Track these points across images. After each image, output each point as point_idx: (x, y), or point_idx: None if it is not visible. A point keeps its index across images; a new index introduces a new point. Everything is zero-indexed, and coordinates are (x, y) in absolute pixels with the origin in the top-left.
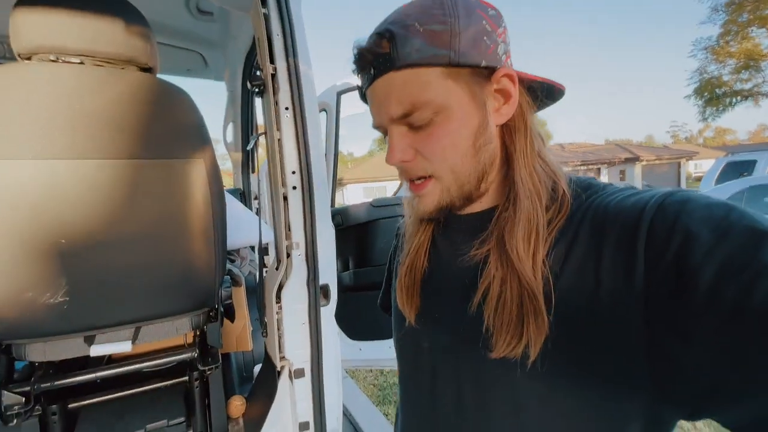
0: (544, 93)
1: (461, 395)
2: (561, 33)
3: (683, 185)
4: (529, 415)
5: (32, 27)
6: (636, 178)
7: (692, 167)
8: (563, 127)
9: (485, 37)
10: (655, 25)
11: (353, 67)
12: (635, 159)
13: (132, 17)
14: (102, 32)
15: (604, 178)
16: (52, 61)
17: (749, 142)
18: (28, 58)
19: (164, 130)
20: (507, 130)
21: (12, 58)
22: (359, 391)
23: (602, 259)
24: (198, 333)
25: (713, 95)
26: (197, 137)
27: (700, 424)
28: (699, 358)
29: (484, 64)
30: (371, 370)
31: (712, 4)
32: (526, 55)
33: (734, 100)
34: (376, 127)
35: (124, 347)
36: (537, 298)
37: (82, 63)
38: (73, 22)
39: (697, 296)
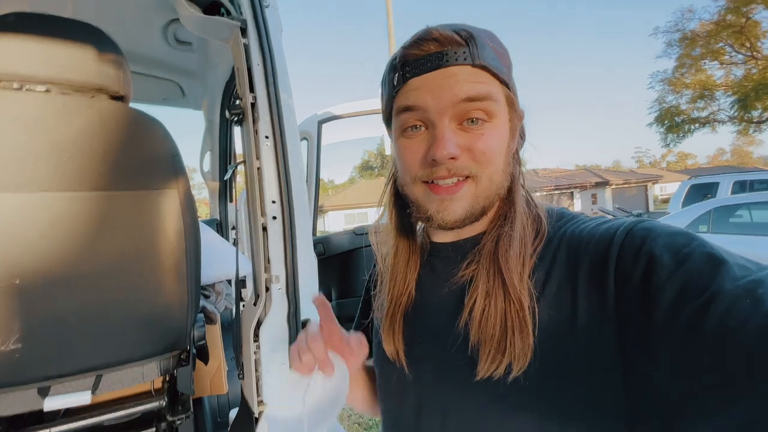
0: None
1: (445, 426)
2: (534, 61)
3: (651, 207)
4: None
5: None
6: (607, 201)
7: (658, 190)
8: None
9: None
10: (615, 56)
11: (406, 51)
12: (605, 183)
13: (103, 45)
14: (70, 60)
15: (577, 202)
16: (16, 89)
17: (709, 166)
18: None
19: (135, 160)
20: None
21: None
22: (342, 430)
23: (578, 281)
24: (167, 378)
25: (673, 123)
26: (170, 167)
27: None
28: (664, 376)
29: (517, 101)
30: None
31: (666, 39)
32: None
33: (692, 127)
34: (419, 109)
35: (83, 399)
36: (523, 309)
37: (48, 91)
38: (38, 49)
39: (659, 315)
